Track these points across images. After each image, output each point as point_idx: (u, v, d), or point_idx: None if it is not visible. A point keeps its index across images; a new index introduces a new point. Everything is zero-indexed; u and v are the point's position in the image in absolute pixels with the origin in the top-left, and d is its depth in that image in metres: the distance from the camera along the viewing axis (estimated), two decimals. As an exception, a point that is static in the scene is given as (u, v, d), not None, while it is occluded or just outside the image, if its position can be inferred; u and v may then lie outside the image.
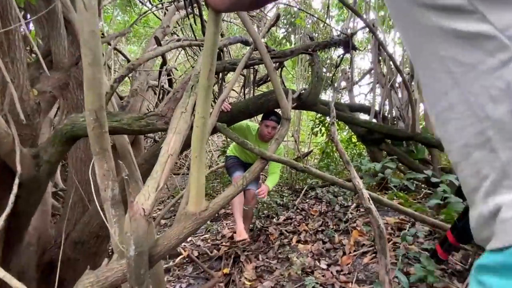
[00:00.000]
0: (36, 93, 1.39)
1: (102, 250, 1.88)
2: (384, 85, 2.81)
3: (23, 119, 1.10)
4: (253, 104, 2.12)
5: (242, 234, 1.98)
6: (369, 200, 1.20)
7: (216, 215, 3.59)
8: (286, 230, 2.49)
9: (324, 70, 4.12)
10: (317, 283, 1.54)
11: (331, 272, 1.69)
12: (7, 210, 0.93)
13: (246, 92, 3.87)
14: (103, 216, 1.03)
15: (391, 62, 3.45)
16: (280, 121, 1.92)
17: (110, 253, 2.09)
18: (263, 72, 4.64)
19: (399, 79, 3.55)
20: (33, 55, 2.01)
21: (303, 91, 2.21)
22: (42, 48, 1.60)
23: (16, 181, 1.06)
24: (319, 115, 4.26)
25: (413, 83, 2.55)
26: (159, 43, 2.05)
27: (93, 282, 0.93)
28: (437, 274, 1.49)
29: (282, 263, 1.93)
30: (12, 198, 0.99)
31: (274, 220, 2.85)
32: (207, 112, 1.06)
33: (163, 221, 3.41)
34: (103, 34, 3.01)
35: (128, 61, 2.92)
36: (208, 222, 3.32)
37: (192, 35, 2.32)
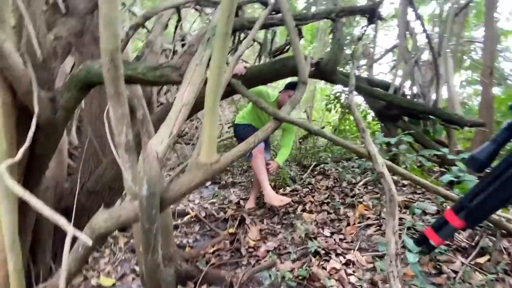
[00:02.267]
0: (53, 38, 1.38)
1: (115, 202, 1.97)
2: (408, 61, 2.66)
3: (40, 59, 1.09)
4: (268, 69, 2.05)
5: (283, 199, 2.05)
6: (382, 166, 1.18)
7: (224, 183, 3.66)
8: (291, 200, 2.52)
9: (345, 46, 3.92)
10: (319, 247, 1.57)
11: (334, 240, 1.73)
12: (26, 144, 0.95)
13: (261, 62, 3.77)
14: (118, 159, 1.05)
15: (417, 38, 3.25)
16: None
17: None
18: (280, 43, 4.47)
19: (423, 57, 3.37)
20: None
21: (322, 59, 2.12)
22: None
23: (34, 120, 1.08)
24: (334, 91, 4.13)
25: (440, 59, 2.40)
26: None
27: (107, 219, 0.97)
28: (442, 249, 1.49)
29: (286, 228, 1.98)
30: (30, 134, 1.01)
31: (281, 191, 2.88)
32: (223, 61, 1.02)
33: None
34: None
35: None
36: (216, 189, 3.40)
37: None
